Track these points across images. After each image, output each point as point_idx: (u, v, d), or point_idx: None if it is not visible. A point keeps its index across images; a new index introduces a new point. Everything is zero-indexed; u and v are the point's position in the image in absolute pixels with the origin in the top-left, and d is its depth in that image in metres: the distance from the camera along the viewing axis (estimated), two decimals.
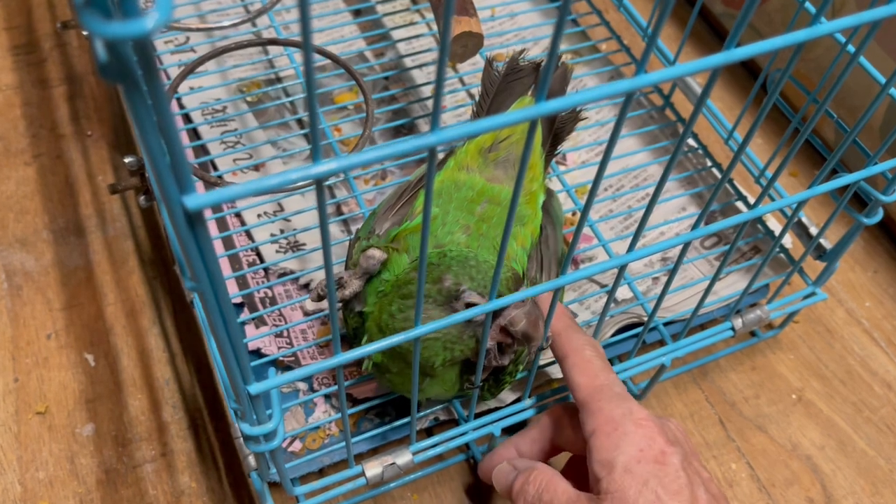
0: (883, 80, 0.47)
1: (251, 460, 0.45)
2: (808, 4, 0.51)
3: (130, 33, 0.17)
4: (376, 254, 0.46)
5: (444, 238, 0.46)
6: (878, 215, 0.50)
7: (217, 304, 0.27)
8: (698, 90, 0.64)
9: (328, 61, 0.65)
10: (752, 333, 0.61)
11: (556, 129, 0.53)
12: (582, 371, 0.42)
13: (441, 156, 0.54)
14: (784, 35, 0.30)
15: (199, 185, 0.61)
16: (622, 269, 0.41)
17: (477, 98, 0.56)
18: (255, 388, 0.34)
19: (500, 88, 0.54)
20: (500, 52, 0.74)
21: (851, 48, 0.50)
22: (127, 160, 0.51)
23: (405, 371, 0.45)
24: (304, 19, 0.19)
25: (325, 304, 0.57)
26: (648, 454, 0.38)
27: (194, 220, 0.24)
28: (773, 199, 0.60)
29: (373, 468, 0.46)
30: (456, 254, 0.43)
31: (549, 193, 0.53)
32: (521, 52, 0.55)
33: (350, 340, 0.49)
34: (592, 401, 0.41)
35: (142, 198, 0.53)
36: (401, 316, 0.42)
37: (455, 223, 0.47)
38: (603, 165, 0.32)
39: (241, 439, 0.45)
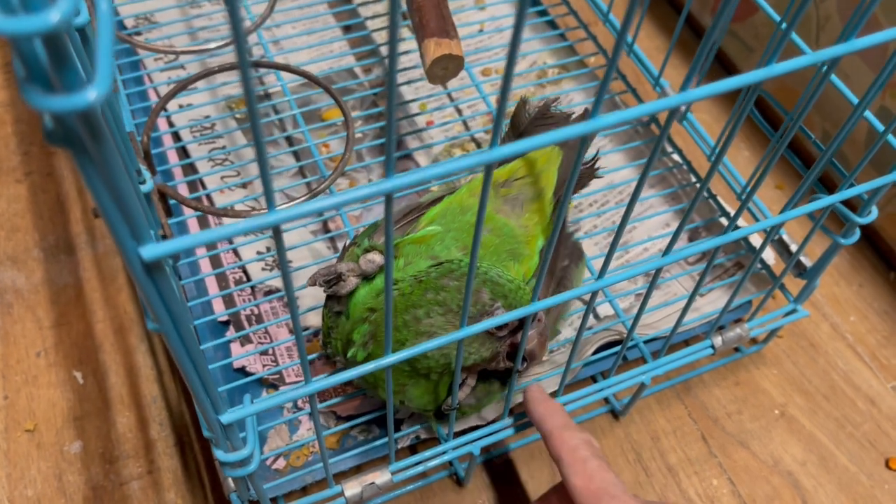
0: (856, 100, 0.48)
1: (230, 482, 0.46)
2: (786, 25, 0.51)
3: (73, 107, 0.18)
4: (377, 258, 0.47)
5: (441, 253, 0.47)
6: (856, 236, 0.50)
7: (181, 343, 0.28)
8: (682, 108, 0.65)
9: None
10: (736, 349, 0.62)
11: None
12: (578, 473, 0.42)
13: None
14: (749, 73, 0.30)
15: (187, 209, 0.62)
16: (594, 295, 0.41)
17: (505, 129, 0.57)
18: (227, 417, 0.34)
19: (527, 129, 0.55)
20: (489, 67, 0.74)
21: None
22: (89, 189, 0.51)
23: (399, 377, 0.46)
24: (240, 51, 0.20)
25: (312, 320, 0.58)
26: None
27: (151, 268, 0.24)
28: (754, 216, 0.61)
29: (352, 488, 0.47)
30: (484, 269, 0.44)
31: (580, 256, 0.54)
32: (555, 100, 0.56)
33: (323, 340, 0.50)
34: (586, 501, 0.41)
35: None
36: (427, 321, 0.43)
37: (454, 241, 0.48)
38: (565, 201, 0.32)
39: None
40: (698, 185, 0.66)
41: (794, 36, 0.50)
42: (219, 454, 0.37)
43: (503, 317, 0.38)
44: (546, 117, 0.55)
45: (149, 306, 0.26)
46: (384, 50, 0.74)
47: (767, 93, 0.57)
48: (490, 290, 0.43)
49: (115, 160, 0.20)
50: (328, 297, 0.48)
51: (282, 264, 0.27)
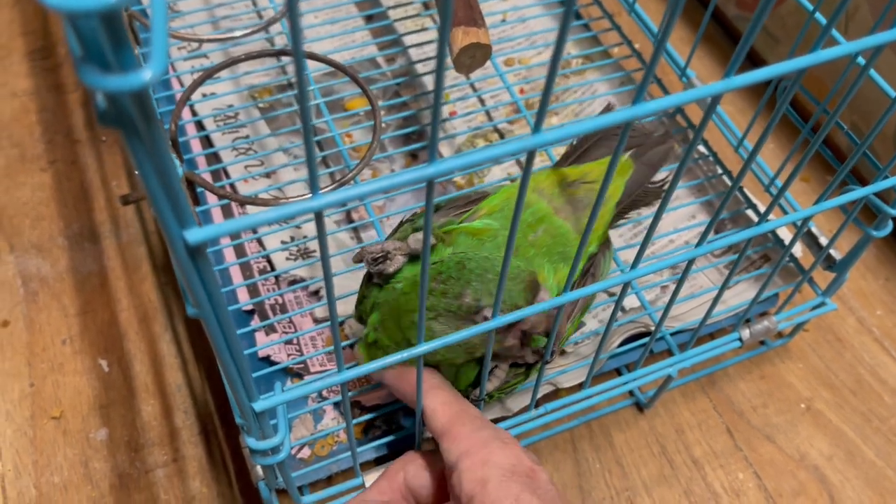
0: (893, 93, 0.47)
1: (259, 470, 0.46)
2: (818, 16, 0.51)
3: (128, 87, 0.17)
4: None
5: (492, 252, 0.47)
6: (888, 228, 0.50)
7: (220, 329, 0.28)
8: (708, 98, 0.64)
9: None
10: (762, 342, 0.61)
11: (637, 197, 0.54)
12: (434, 397, 0.42)
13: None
14: (789, 61, 0.30)
15: (212, 197, 0.62)
16: (626, 285, 0.41)
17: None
18: (259, 404, 0.34)
19: (598, 136, 0.54)
20: (512, 57, 0.74)
21: (862, 60, 0.49)
22: (137, 172, 0.51)
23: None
24: (296, 37, 0.19)
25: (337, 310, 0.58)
26: (519, 469, 0.39)
27: (195, 252, 0.24)
28: (783, 210, 0.60)
29: (374, 480, 0.47)
30: (475, 265, 0.43)
31: (608, 247, 0.53)
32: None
33: (356, 305, 0.49)
34: (453, 426, 0.41)
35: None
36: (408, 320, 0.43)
37: (505, 242, 0.47)
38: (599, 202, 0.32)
39: (247, 450, 0.46)
40: (724, 177, 0.65)
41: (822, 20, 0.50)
42: (250, 442, 0.37)
43: (525, 310, 0.37)
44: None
45: (190, 291, 0.25)
46: (407, 40, 0.74)
47: (802, 86, 0.56)
48: (473, 291, 0.42)
49: (163, 142, 0.20)
50: (368, 277, 0.48)
51: (322, 250, 0.27)
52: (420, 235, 0.46)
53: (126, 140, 0.19)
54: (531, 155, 0.28)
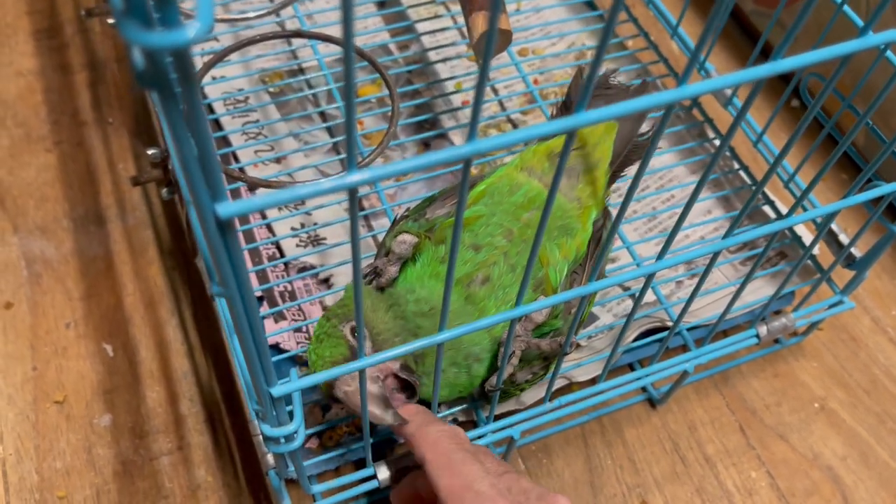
0: None
1: (269, 459, 0.45)
2: (847, 8, 0.50)
3: (171, 43, 0.16)
4: (407, 238, 0.46)
5: (484, 239, 0.46)
6: None
7: (244, 310, 0.27)
8: (728, 92, 0.63)
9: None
10: (776, 340, 0.60)
11: (629, 152, 0.52)
12: (442, 469, 0.38)
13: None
14: (833, 46, 0.29)
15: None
16: (650, 277, 0.40)
17: (558, 102, 0.56)
18: (277, 390, 0.33)
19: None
20: (526, 47, 0.73)
21: (891, 55, 0.49)
22: (150, 152, 0.50)
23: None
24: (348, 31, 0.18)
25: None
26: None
27: (225, 227, 0.23)
28: (803, 206, 0.59)
29: (385, 471, 0.46)
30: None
31: (607, 216, 0.52)
32: (614, 71, 0.55)
33: None
34: (450, 499, 0.38)
35: (164, 190, 0.53)
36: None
37: (498, 226, 0.46)
38: (637, 178, 0.31)
39: (260, 437, 0.45)
40: (741, 172, 0.65)
41: (850, 11, 0.49)
42: (265, 429, 0.36)
43: (546, 301, 0.37)
44: (605, 88, 0.54)
45: (217, 268, 0.24)
46: (420, 27, 0.73)
47: (835, 89, 0.55)
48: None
49: (202, 107, 0.19)
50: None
51: (353, 229, 0.26)
52: (400, 238, 0.46)
53: (162, 103, 0.18)
54: (571, 135, 0.27)
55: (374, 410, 0.40)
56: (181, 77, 0.18)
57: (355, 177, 0.23)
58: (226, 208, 0.22)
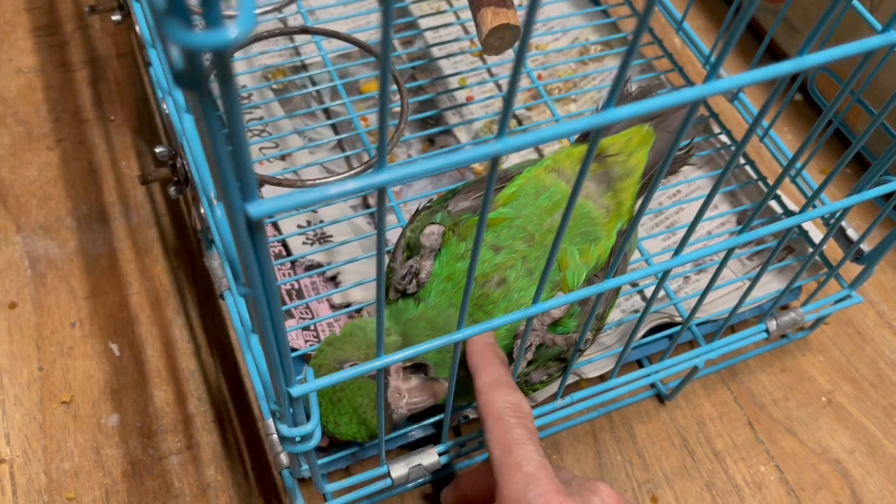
0: None
1: (283, 458, 0.44)
2: (856, 3, 0.50)
3: (213, 43, 0.16)
4: (435, 230, 0.46)
5: (505, 241, 0.46)
6: None
7: (269, 310, 0.27)
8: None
9: (355, 48, 0.64)
10: (782, 335, 0.60)
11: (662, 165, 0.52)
12: (497, 442, 0.39)
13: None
14: (855, 42, 0.29)
15: None
16: (665, 274, 0.40)
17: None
18: (296, 390, 0.33)
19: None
20: (529, 43, 0.73)
21: None
22: (158, 150, 0.50)
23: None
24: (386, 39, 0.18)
25: (354, 296, 0.57)
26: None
27: (255, 227, 0.23)
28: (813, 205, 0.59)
29: (399, 469, 0.46)
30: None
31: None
32: (627, 80, 0.55)
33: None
34: (500, 473, 0.38)
35: (172, 189, 0.52)
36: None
37: (521, 229, 0.46)
38: (654, 186, 0.31)
39: (274, 437, 0.45)
40: (747, 167, 0.65)
41: (862, 8, 0.49)
42: (282, 429, 0.36)
43: (566, 297, 0.36)
44: (624, 97, 0.54)
45: (244, 269, 0.24)
46: (423, 23, 0.73)
47: (837, 77, 0.55)
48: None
49: (238, 110, 0.19)
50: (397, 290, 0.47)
51: (379, 224, 0.26)
52: (428, 230, 0.46)
53: (201, 105, 0.18)
54: (596, 134, 0.27)
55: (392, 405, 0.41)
56: (220, 77, 0.17)
57: (384, 176, 0.23)
58: (257, 208, 0.22)
